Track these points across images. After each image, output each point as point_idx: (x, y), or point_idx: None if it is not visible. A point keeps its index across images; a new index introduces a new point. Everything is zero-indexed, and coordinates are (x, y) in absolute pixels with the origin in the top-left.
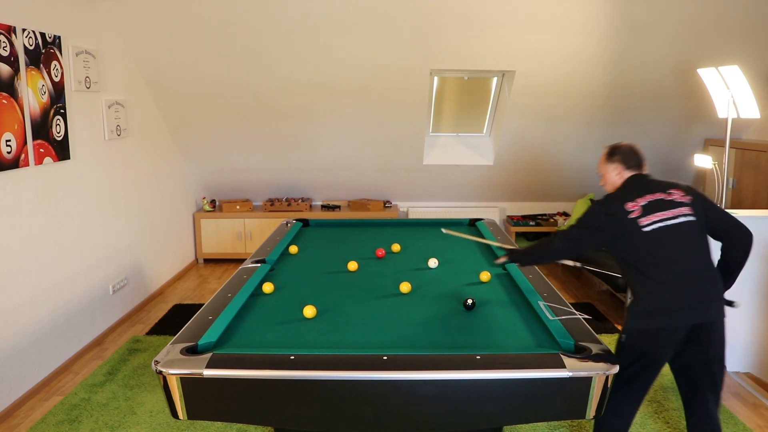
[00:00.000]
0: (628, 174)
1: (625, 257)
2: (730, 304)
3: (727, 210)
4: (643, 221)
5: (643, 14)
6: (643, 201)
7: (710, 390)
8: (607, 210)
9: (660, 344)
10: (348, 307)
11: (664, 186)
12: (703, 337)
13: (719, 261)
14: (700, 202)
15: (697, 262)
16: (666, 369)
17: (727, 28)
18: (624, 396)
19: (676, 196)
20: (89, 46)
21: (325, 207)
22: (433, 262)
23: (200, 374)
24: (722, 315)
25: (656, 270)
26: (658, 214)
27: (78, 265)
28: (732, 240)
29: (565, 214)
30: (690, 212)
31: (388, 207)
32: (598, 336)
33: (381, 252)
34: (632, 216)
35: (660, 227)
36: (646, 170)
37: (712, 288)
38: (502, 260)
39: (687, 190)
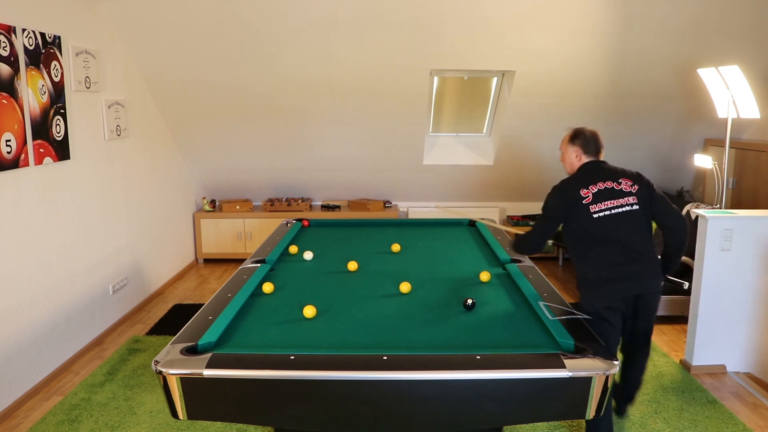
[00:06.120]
0: (585, 159)
1: (574, 234)
2: (681, 285)
3: (727, 210)
4: (594, 208)
5: (643, 14)
6: (594, 188)
7: (644, 349)
8: (563, 195)
9: (612, 317)
10: (348, 307)
11: (616, 175)
12: (641, 309)
13: (663, 247)
14: (646, 193)
15: (637, 243)
16: (665, 369)
17: (727, 28)
18: None
19: (625, 185)
20: (89, 46)
21: (325, 207)
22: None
23: (200, 374)
24: (658, 289)
25: (599, 247)
26: (606, 202)
27: (78, 265)
28: (669, 227)
29: None
30: (635, 201)
31: (388, 207)
32: (598, 336)
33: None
34: (585, 202)
35: (607, 214)
36: (602, 157)
37: (649, 265)
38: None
39: (636, 179)
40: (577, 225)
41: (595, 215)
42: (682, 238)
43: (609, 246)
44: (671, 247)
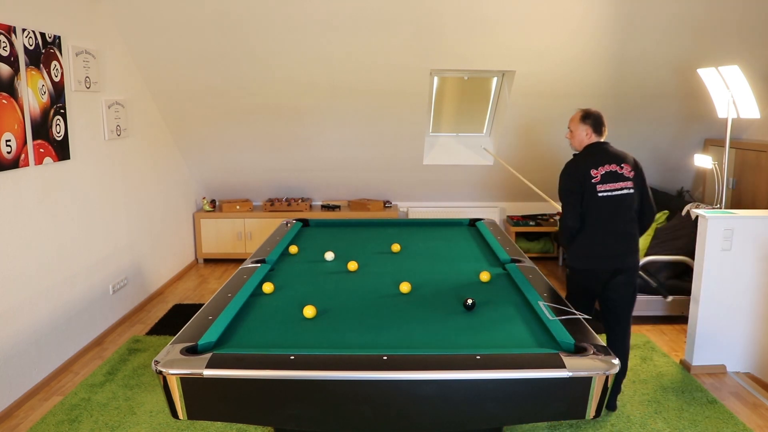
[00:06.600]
0: (594, 138)
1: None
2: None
3: (727, 210)
4: (600, 188)
5: (643, 14)
6: (603, 170)
7: (625, 318)
8: (576, 174)
9: (591, 280)
10: (348, 307)
11: (618, 159)
12: (623, 280)
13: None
14: (639, 180)
15: (625, 224)
16: (665, 369)
17: (727, 28)
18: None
19: (626, 170)
20: (89, 46)
21: (325, 207)
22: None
23: (200, 374)
24: (637, 266)
25: (597, 224)
26: (610, 184)
27: (78, 265)
28: (644, 213)
29: None
30: (631, 186)
31: (388, 207)
32: (598, 336)
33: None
34: (594, 181)
35: (608, 195)
36: (605, 136)
37: (631, 244)
38: None
39: (634, 165)
40: (583, 201)
41: (599, 194)
42: (647, 226)
43: (603, 222)
44: (640, 229)
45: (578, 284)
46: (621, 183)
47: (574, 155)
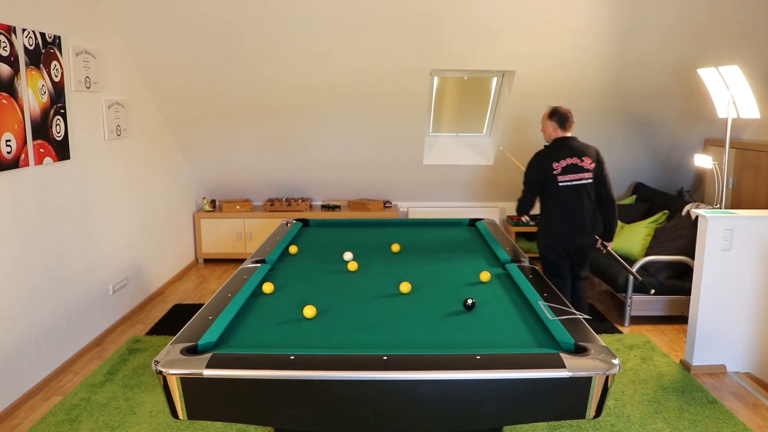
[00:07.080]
0: (560, 132)
1: (544, 195)
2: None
3: (727, 210)
4: (560, 179)
5: (643, 15)
6: (564, 163)
7: (582, 277)
8: (539, 166)
9: (557, 254)
10: (348, 307)
11: (581, 152)
12: (580, 253)
13: (603, 219)
14: (599, 171)
15: (585, 209)
16: (665, 369)
17: (727, 28)
18: (554, 283)
19: (586, 163)
20: (89, 46)
21: (325, 207)
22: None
23: (200, 374)
24: (591, 242)
25: (559, 208)
26: (570, 175)
27: (78, 265)
28: (604, 199)
29: None
30: (590, 177)
31: (388, 207)
32: (598, 336)
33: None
34: (555, 173)
35: (569, 185)
36: (572, 131)
37: (589, 227)
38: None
39: (595, 157)
40: (546, 189)
41: (560, 184)
42: (610, 215)
43: (564, 207)
44: (605, 221)
45: (548, 259)
46: (580, 174)
47: (545, 146)
